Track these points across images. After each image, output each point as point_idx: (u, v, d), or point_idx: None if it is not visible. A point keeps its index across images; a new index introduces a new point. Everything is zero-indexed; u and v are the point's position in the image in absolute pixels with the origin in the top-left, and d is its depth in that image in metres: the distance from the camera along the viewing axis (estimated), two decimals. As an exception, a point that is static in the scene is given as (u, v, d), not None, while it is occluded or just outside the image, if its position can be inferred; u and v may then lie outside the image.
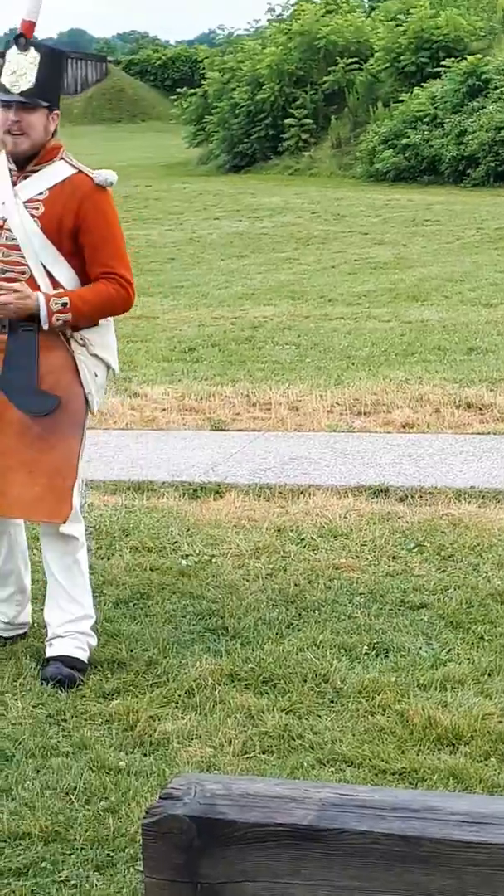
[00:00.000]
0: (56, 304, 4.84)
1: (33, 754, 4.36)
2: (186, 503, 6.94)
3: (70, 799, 4.06)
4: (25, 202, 4.93)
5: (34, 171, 4.97)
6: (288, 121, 27.84)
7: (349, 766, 4.25)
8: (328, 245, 17.17)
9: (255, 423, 8.55)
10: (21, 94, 4.89)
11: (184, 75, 44.45)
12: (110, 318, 5.12)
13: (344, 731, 4.47)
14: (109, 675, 4.93)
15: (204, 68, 32.07)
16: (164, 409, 8.92)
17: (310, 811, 3.23)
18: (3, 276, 4.91)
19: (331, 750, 4.34)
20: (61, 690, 4.80)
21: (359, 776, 4.17)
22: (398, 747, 4.35)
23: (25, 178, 4.96)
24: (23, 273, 4.91)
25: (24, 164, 4.96)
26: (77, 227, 4.91)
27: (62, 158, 5.01)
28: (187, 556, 6.13)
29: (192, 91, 31.78)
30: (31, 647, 5.18)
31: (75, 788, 4.12)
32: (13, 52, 4.92)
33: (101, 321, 5.05)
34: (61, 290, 4.89)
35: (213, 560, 6.07)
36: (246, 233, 18.49)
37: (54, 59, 5.02)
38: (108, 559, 6.11)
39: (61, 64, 5.18)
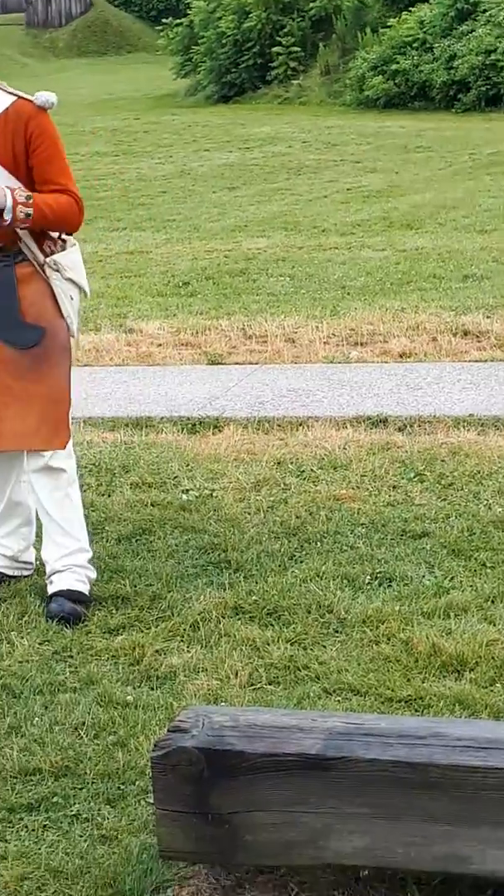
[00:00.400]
0: (20, 195, 4.81)
1: (41, 691, 4.39)
2: (185, 438, 6.94)
3: (79, 734, 4.10)
4: None
5: None
6: (276, 49, 27.55)
7: (355, 694, 4.28)
8: (320, 174, 17.06)
9: (251, 356, 8.54)
10: None
11: (169, 5, 43.85)
12: (75, 241, 5.12)
13: (349, 660, 4.50)
14: (114, 611, 4.96)
15: (189, -3, 31.70)
16: (159, 345, 8.89)
17: (317, 740, 3.26)
18: None
19: (336, 679, 4.37)
20: (67, 626, 4.83)
21: (365, 705, 4.20)
22: (403, 675, 4.39)
23: None
24: None
25: None
26: (26, 149, 4.89)
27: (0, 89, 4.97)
28: (188, 490, 6.14)
29: (178, 21, 31.41)
30: (35, 585, 5.20)
31: (84, 723, 4.15)
32: None
33: (68, 244, 5.05)
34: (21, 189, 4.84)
35: (214, 494, 6.08)
36: (236, 164, 18.37)
37: None
38: (109, 496, 6.12)
39: None
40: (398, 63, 23.95)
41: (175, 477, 6.33)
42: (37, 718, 4.20)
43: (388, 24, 25.16)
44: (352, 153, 18.62)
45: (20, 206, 4.80)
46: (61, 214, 4.93)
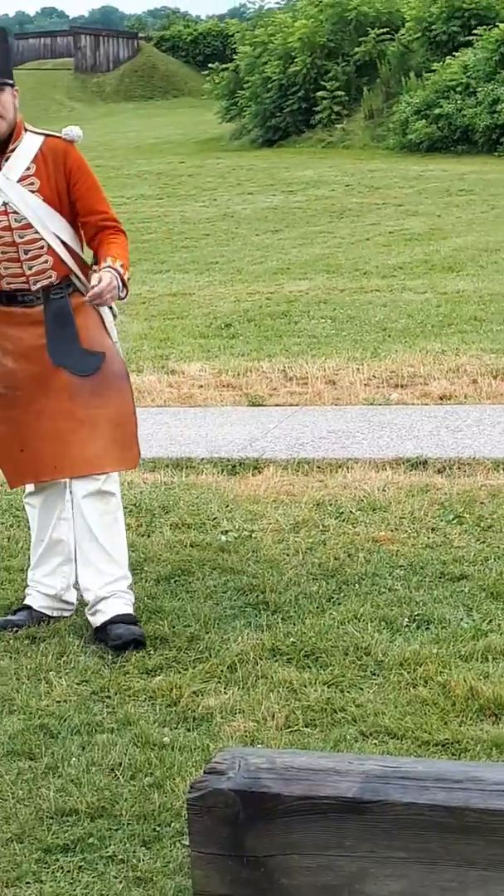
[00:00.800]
0: (119, 267, 5.02)
1: (78, 731, 4.40)
2: (225, 479, 6.96)
3: (115, 775, 4.09)
4: (19, 181, 5.01)
5: (12, 151, 5.03)
6: (320, 93, 27.71)
7: (392, 738, 4.26)
8: (362, 217, 17.11)
9: (292, 397, 8.55)
10: None
11: (215, 50, 44.27)
12: None
13: (386, 703, 4.48)
14: (152, 652, 4.96)
15: (235, 43, 31.93)
16: (201, 386, 8.92)
17: (354, 783, 3.25)
18: (27, 256, 5.01)
19: (374, 722, 4.35)
20: (134, 649, 4.91)
21: (402, 748, 4.18)
22: (441, 718, 4.36)
23: (7, 159, 5.02)
24: (42, 248, 5.03)
25: (3, 146, 5.02)
26: (67, 184, 5.05)
27: (27, 130, 5.09)
28: (227, 531, 6.15)
29: (224, 66, 31.66)
30: (73, 625, 5.21)
31: (120, 764, 4.15)
32: None
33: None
34: (109, 257, 5.02)
35: (253, 535, 6.09)
36: (280, 207, 18.45)
37: (3, 37, 5.09)
38: (149, 536, 6.14)
39: (8, 41, 5.20)
40: (441, 107, 24.03)
41: (214, 518, 6.34)
42: (74, 759, 4.20)
43: (432, 68, 25.27)
44: (394, 196, 18.68)
45: (125, 277, 5.02)
46: (128, 251, 5.17)
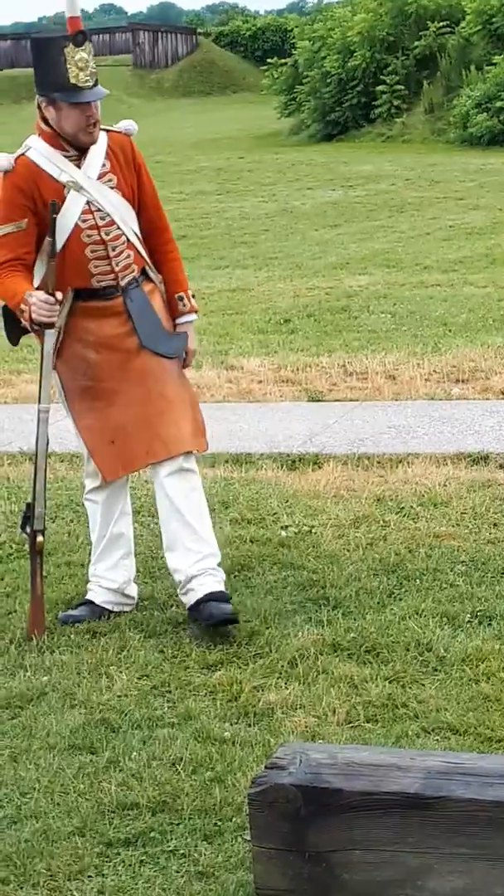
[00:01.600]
0: (186, 306, 5.31)
1: (139, 726, 4.41)
2: (285, 474, 6.95)
3: (176, 769, 4.10)
4: (98, 178, 5.07)
5: (86, 151, 5.08)
6: (380, 87, 27.61)
7: (454, 734, 4.24)
8: (422, 212, 17.04)
9: (352, 392, 8.53)
10: (98, 88, 4.98)
11: (274, 45, 44.25)
12: None
13: (448, 699, 4.46)
14: (212, 647, 4.96)
15: (294, 38, 31.88)
16: (260, 381, 8.92)
17: (416, 779, 3.23)
18: (115, 252, 5.09)
19: (435, 718, 4.33)
20: (231, 626, 4.97)
21: (464, 744, 4.16)
22: (503, 715, 4.33)
23: (84, 158, 5.06)
24: (124, 243, 5.12)
25: (83, 147, 5.08)
26: (135, 177, 5.18)
27: None
28: (287, 527, 6.14)
29: (283, 61, 31.62)
30: (134, 620, 5.22)
31: (181, 759, 4.15)
32: (73, 49, 4.90)
33: None
34: (183, 294, 5.31)
35: (313, 531, 6.08)
36: (339, 202, 18.41)
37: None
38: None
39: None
40: (502, 100, 23.86)
41: (274, 513, 6.34)
42: (135, 753, 4.21)
43: (493, 61, 25.09)
44: (455, 190, 18.58)
45: (192, 303, 5.33)
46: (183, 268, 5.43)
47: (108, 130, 5.13)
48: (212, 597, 5.04)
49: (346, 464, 7.02)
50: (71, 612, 5.28)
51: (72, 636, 5.10)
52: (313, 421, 7.91)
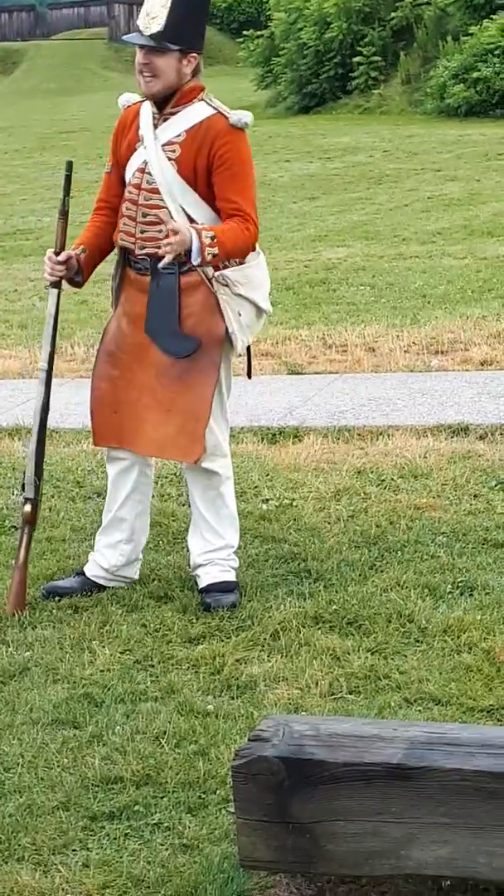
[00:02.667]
0: (206, 237, 4.84)
1: (122, 700, 4.41)
2: (265, 448, 6.95)
3: (160, 743, 4.11)
4: (164, 145, 4.98)
5: (173, 114, 5.00)
6: (356, 59, 27.50)
7: (437, 704, 4.25)
8: (400, 183, 17.01)
9: (331, 365, 8.53)
10: (150, 36, 4.92)
11: (249, 17, 43.98)
12: (260, 257, 5.15)
13: (430, 669, 4.48)
14: (195, 620, 4.97)
15: (270, 9, 31.72)
16: (240, 355, 8.87)
17: (398, 750, 3.24)
18: (144, 219, 4.99)
19: (418, 689, 4.35)
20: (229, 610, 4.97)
21: (447, 714, 4.17)
22: (485, 685, 4.35)
23: (165, 120, 5.00)
24: (162, 217, 4.96)
25: (163, 105, 5.00)
26: (210, 165, 4.94)
27: (202, 100, 5.02)
28: (268, 500, 6.15)
29: (259, 33, 31.46)
30: (116, 595, 5.22)
31: (165, 733, 4.16)
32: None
33: (249, 258, 5.07)
34: (205, 224, 4.90)
35: (294, 504, 6.08)
36: (317, 174, 18.37)
37: (191, 2, 5.00)
38: (188, 505, 6.13)
39: (201, 6, 5.18)
40: (479, 71, 23.79)
41: (255, 487, 6.34)
42: (118, 727, 4.22)
43: (470, 31, 25.00)
44: (433, 162, 18.55)
45: (207, 248, 4.83)
46: (240, 246, 4.97)
47: (219, 112, 4.97)
48: (213, 587, 5.09)
49: (326, 436, 7.02)
50: (58, 582, 5.27)
51: (53, 611, 5.10)
52: (293, 394, 7.91)
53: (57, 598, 5.18)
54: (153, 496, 6.17)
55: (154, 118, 5.01)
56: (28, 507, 5.19)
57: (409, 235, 13.19)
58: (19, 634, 4.93)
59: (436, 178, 17.11)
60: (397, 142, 20.90)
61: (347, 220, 14.51)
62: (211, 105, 5.01)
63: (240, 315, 5.05)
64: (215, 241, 4.84)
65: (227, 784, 3.73)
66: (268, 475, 6.48)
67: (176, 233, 4.80)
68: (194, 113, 4.98)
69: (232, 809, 3.48)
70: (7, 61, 44.55)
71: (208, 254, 4.83)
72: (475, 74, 23.85)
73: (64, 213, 5.05)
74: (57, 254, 5.04)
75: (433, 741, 3.25)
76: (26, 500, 5.20)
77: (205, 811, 3.75)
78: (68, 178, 5.04)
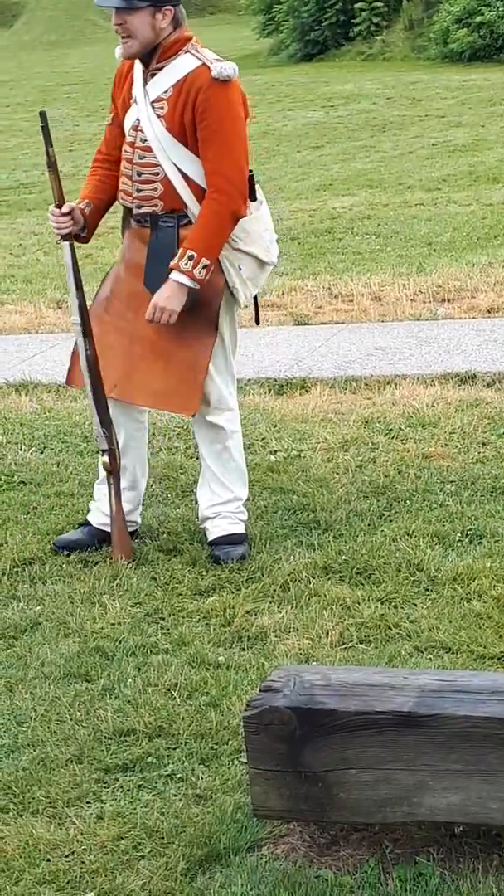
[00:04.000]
0: (186, 265, 4.83)
1: (134, 653, 4.43)
2: (273, 399, 6.94)
3: (172, 695, 4.12)
4: (153, 102, 4.94)
5: (159, 69, 4.94)
6: (358, 5, 27.28)
7: (447, 652, 4.26)
8: (405, 130, 16.92)
9: (337, 315, 8.50)
10: None
11: (250, -35, 43.66)
12: (262, 207, 5.07)
13: (440, 618, 4.48)
14: (204, 573, 4.98)
15: (270, -44, 31.45)
16: (245, 306, 8.85)
17: (409, 698, 3.26)
18: (139, 178, 4.95)
19: (428, 637, 4.36)
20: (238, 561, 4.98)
21: (457, 662, 4.18)
22: (495, 632, 4.36)
23: (153, 76, 4.95)
24: (156, 174, 4.93)
25: (149, 62, 4.95)
26: (194, 121, 4.87)
27: (188, 51, 4.94)
28: (276, 451, 6.14)
29: (260, -20, 31.22)
30: (126, 548, 5.22)
31: (176, 685, 4.18)
32: None
33: (251, 212, 4.99)
34: (180, 250, 4.85)
35: (302, 455, 6.08)
36: (321, 122, 18.27)
37: None
38: (198, 458, 6.13)
39: None
40: (483, 15, 23.60)
41: (263, 438, 6.34)
42: (130, 680, 4.24)
43: (473, -25, 24.79)
44: (437, 108, 18.44)
45: (196, 270, 4.83)
46: (218, 231, 4.87)
47: (204, 63, 4.87)
48: (222, 540, 5.10)
49: (333, 387, 7.01)
50: (67, 536, 5.27)
51: (63, 566, 5.11)
52: (299, 345, 7.89)
53: (66, 553, 5.19)
54: (161, 450, 6.19)
55: (144, 75, 4.97)
56: (106, 458, 5.16)
57: (413, 183, 13.12)
58: (30, 589, 4.95)
59: (440, 125, 17.01)
60: (401, 88, 20.78)
61: (352, 168, 14.44)
62: (197, 56, 4.92)
63: (240, 269, 5.01)
64: (194, 258, 4.82)
65: (239, 735, 3.75)
66: (275, 426, 6.47)
67: (158, 307, 4.87)
68: (181, 66, 4.92)
69: (244, 760, 3.50)
70: (7, 13, 44.24)
71: (199, 272, 4.84)
72: (479, 18, 23.66)
73: (52, 165, 4.99)
74: (59, 206, 5.02)
75: (444, 689, 3.26)
76: (102, 451, 5.18)
77: (217, 762, 3.77)
78: (45, 129, 4.95)
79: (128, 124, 5.01)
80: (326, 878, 3.24)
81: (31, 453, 6.40)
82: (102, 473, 5.24)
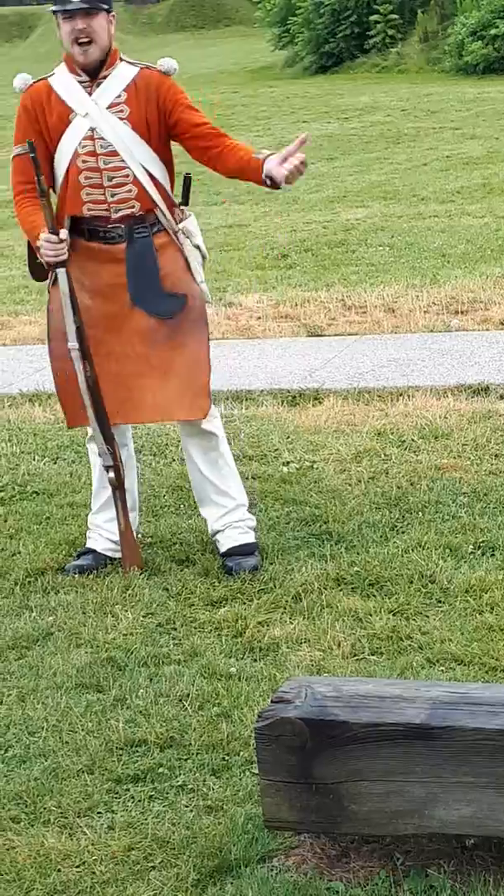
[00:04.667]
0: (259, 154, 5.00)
1: (146, 663, 4.43)
2: (286, 410, 6.94)
3: (183, 706, 4.12)
4: (108, 108, 4.97)
5: (105, 77, 4.99)
6: (373, 17, 27.33)
7: (459, 664, 4.26)
8: (419, 142, 16.92)
9: (351, 326, 8.51)
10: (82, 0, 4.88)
11: (265, -23, 43.74)
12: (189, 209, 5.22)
13: (452, 630, 4.48)
14: (217, 584, 4.98)
15: (285, -32, 31.49)
16: (259, 318, 8.89)
17: (421, 710, 3.25)
18: (111, 182, 4.96)
19: (440, 649, 4.35)
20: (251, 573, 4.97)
21: (469, 674, 4.18)
22: (507, 644, 4.35)
23: (98, 85, 4.99)
24: (127, 177, 4.97)
25: (96, 72, 4.97)
26: (161, 115, 4.97)
27: (122, 60, 5.05)
28: (288, 462, 6.14)
29: (275, -7, 31.27)
30: (138, 559, 5.22)
31: (188, 695, 4.17)
32: None
33: (186, 211, 5.16)
34: (251, 155, 5.00)
35: (315, 466, 6.08)
36: (335, 135, 18.28)
37: None
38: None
39: None
40: (497, 28, 23.61)
41: (276, 449, 6.34)
42: (142, 690, 4.24)
43: (487, -12, 24.79)
44: (451, 120, 18.44)
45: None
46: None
47: (143, 66, 5.01)
48: (234, 551, 5.10)
49: (346, 398, 7.01)
50: (76, 562, 5.25)
51: (76, 576, 5.12)
52: (313, 356, 7.89)
53: (83, 574, 5.16)
54: (172, 460, 6.20)
55: (85, 87, 4.98)
56: (111, 474, 5.17)
57: (427, 195, 13.13)
58: (42, 600, 4.95)
59: (454, 137, 17.01)
60: (415, 100, 20.78)
61: (366, 180, 14.45)
62: (131, 63, 5.04)
63: (200, 265, 5.12)
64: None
65: (250, 746, 3.75)
66: (288, 438, 6.48)
67: (299, 163, 4.91)
68: (124, 73, 5.00)
69: (255, 771, 3.49)
70: (23, 25, 44.39)
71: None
72: (493, 31, 23.67)
73: (43, 193, 4.95)
74: (55, 233, 4.97)
75: (456, 701, 3.26)
76: (107, 468, 5.18)
77: (228, 773, 3.77)
78: (34, 160, 4.89)
79: (76, 137, 4.96)
80: (337, 890, 3.23)
81: (45, 463, 6.41)
82: (98, 502, 5.27)
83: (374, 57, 27.46)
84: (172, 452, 6.35)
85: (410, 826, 3.24)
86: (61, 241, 4.95)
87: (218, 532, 5.17)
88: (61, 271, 4.99)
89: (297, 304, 9.05)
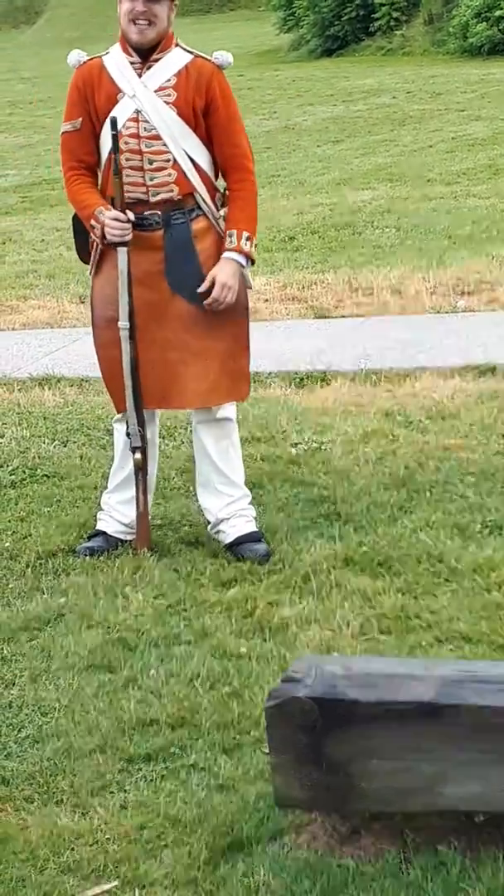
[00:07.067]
0: (246, 245, 5.00)
1: (156, 644, 4.45)
2: (293, 392, 6.96)
3: (194, 686, 4.14)
4: (156, 91, 4.95)
5: (157, 60, 4.98)
6: (378, 0, 27.29)
7: (467, 642, 4.27)
8: (424, 124, 16.91)
9: (358, 308, 8.52)
10: None
11: (270, -40, 43.63)
12: None
13: (461, 608, 4.50)
14: (226, 564, 5.00)
15: (290, -49, 31.44)
16: (266, 300, 8.90)
17: (430, 688, 3.27)
18: (151, 166, 4.95)
19: (448, 628, 4.37)
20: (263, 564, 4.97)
21: (477, 652, 4.19)
22: (515, 623, 4.37)
23: (149, 67, 4.97)
24: (167, 161, 4.95)
25: (148, 54, 4.97)
26: (206, 107, 4.97)
27: (178, 45, 5.03)
28: (297, 444, 6.16)
29: (280, -25, 31.23)
30: (148, 541, 5.24)
31: (199, 675, 4.20)
32: None
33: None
34: (235, 231, 4.99)
35: (323, 447, 6.10)
36: (341, 117, 18.27)
37: None
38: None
39: None
40: (502, 9, 23.59)
41: (284, 431, 6.36)
42: (153, 671, 4.26)
43: (492, -32, 24.75)
44: (456, 102, 18.43)
45: (251, 250, 5.03)
46: (256, 207, 5.12)
47: (197, 55, 5.00)
48: (243, 539, 5.10)
49: (353, 380, 7.03)
50: (86, 544, 5.28)
51: (87, 558, 5.14)
52: (320, 338, 7.91)
53: (93, 555, 5.18)
54: (181, 443, 6.22)
55: (136, 68, 4.98)
56: (138, 455, 5.18)
57: (433, 176, 13.13)
58: (53, 581, 4.98)
59: (460, 119, 17.00)
60: (420, 82, 20.77)
61: (372, 162, 14.44)
62: (186, 50, 5.03)
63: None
64: (251, 238, 5.02)
65: (261, 725, 3.77)
66: (296, 419, 6.49)
67: (226, 285, 4.94)
68: (176, 58, 4.99)
69: (266, 750, 3.52)
70: (30, 11, 44.32)
71: (252, 250, 5.04)
72: (498, 13, 23.66)
73: (118, 172, 4.96)
74: (123, 212, 4.97)
75: (464, 679, 3.27)
76: (134, 448, 5.20)
77: (240, 752, 3.79)
78: (114, 137, 4.90)
79: (121, 117, 4.96)
80: (348, 867, 3.26)
81: (55, 447, 6.44)
82: (114, 481, 5.28)
83: (379, 39, 27.44)
84: (182, 435, 6.37)
85: (420, 803, 3.26)
86: (129, 220, 4.95)
87: (223, 521, 5.16)
88: (122, 250, 4.99)
89: (304, 287, 9.06)
